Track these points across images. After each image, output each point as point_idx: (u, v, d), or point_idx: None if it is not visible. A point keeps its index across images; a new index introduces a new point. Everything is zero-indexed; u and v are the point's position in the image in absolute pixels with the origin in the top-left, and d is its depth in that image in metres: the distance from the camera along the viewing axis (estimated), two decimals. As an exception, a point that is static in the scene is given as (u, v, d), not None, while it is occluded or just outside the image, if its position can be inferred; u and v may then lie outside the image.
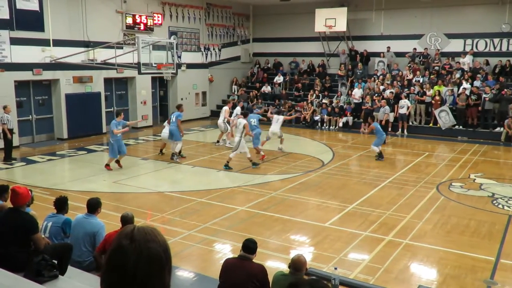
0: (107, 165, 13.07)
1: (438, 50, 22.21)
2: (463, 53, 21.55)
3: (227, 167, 13.19)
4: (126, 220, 5.94)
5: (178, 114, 14.06)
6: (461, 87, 19.77)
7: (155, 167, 13.65)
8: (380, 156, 14.66)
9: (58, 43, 17.00)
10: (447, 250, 7.79)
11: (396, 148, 17.19)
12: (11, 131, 14.19)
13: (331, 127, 20.70)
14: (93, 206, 6.29)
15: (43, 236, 5.78)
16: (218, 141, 16.96)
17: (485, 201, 10.54)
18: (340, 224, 9.04)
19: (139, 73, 16.05)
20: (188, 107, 22.36)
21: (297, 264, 4.94)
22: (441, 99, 19.62)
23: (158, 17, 21.21)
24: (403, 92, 20.16)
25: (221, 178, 12.62)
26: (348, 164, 14.45)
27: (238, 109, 16.89)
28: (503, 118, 18.31)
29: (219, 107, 18.87)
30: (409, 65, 22.19)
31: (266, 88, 24.67)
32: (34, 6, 16.28)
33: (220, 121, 16.69)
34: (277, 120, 15.83)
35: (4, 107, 14.26)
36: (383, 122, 17.72)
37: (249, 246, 5.18)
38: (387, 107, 17.87)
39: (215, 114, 17.40)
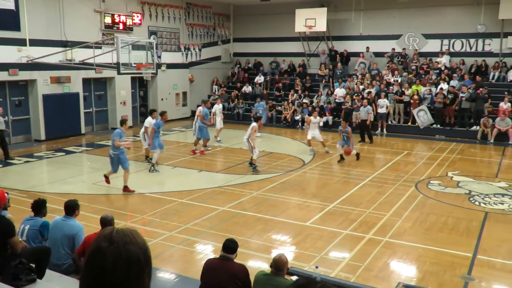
0: (106, 177, 11.25)
1: (416, 50, 22.54)
2: (440, 53, 21.92)
3: (254, 169, 12.98)
4: (106, 222, 5.87)
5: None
6: (439, 87, 20.10)
7: (136, 168, 13.51)
8: (350, 157, 14.57)
9: (35, 42, 16.70)
10: (426, 247, 7.91)
11: (375, 147, 17.36)
12: (1, 132, 14.01)
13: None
14: (71, 208, 6.19)
15: (20, 239, 5.67)
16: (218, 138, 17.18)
17: (462, 199, 10.73)
18: (321, 223, 9.09)
19: (118, 73, 15.89)
20: (169, 107, 22.24)
21: (278, 264, 4.95)
22: (419, 98, 19.90)
23: (138, 16, 21.02)
24: (383, 92, 20.38)
25: (202, 178, 12.56)
26: (329, 164, 14.54)
27: (216, 106, 17.38)
28: (479, 117, 18.68)
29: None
30: (387, 65, 22.46)
31: (247, 88, 24.68)
32: (10, 5, 15.96)
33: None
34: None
35: None
36: (368, 122, 17.83)
37: (230, 246, 5.18)
38: (369, 107, 18.00)
39: (195, 114, 17.28)
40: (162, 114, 13.24)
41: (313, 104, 21.61)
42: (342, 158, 14.42)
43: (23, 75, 16.73)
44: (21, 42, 16.36)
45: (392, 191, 11.28)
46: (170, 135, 18.44)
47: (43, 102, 17.33)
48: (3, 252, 5.15)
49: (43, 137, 17.45)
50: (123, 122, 11.12)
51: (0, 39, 15.70)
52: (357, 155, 14.71)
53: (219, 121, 17.24)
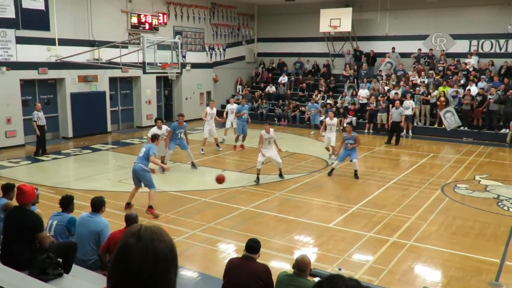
0: (150, 208, 9.42)
1: (443, 51, 22.13)
2: (469, 54, 21.47)
3: (281, 176, 12.31)
4: (130, 219, 5.96)
5: (151, 147, 9.68)
6: (466, 88, 19.70)
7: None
8: (355, 174, 12.54)
9: (64, 42, 17.05)
10: (451, 252, 7.77)
11: (400, 149, 17.13)
12: (41, 127, 14.54)
13: (319, 127, 20.67)
14: (97, 205, 6.31)
15: (48, 234, 5.80)
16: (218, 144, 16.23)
17: (490, 203, 10.49)
18: (344, 224, 9.02)
19: (144, 72, 16.08)
20: (193, 106, 22.44)
21: (301, 265, 4.93)
22: (446, 100, 19.55)
23: (163, 16, 21.24)
24: (408, 93, 20.10)
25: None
26: (351, 165, 14.39)
27: (229, 106, 17.19)
28: (509, 120, 18.22)
29: (224, 107, 18.84)
30: (414, 65, 22.13)
31: (271, 88, 24.66)
32: (40, 6, 16.34)
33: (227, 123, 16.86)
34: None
35: (35, 105, 14.93)
36: (401, 124, 17.62)
37: (252, 246, 5.18)
38: (401, 108, 17.71)
39: (219, 114, 17.39)
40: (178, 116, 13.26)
41: (337, 105, 21.45)
42: (332, 170, 12.77)
43: (52, 74, 17.11)
44: (50, 42, 16.74)
45: (417, 194, 11.11)
46: (194, 134, 18.56)
47: (71, 101, 17.70)
48: (31, 247, 5.28)
49: (70, 134, 17.82)
50: (155, 138, 10.04)
51: (30, 38, 16.10)
52: (355, 173, 12.50)
53: (231, 120, 16.94)
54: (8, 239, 5.30)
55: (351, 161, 12.61)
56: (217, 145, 15.95)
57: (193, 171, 13.20)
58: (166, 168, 10.31)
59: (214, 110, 15.94)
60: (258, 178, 11.94)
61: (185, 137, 13.28)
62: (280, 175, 12.32)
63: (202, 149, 15.35)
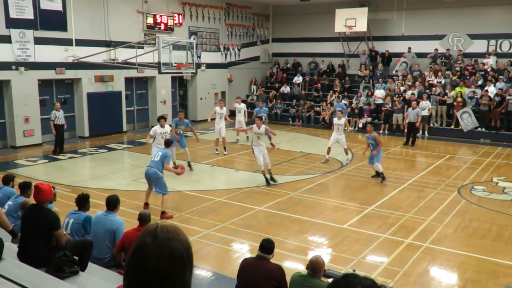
0: (163, 213, 9.29)
1: (461, 51, 21.86)
2: (487, 54, 21.17)
3: (272, 181, 11.76)
4: (144, 218, 6.02)
5: (167, 152, 9.53)
6: (484, 89, 19.43)
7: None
8: (382, 177, 12.08)
9: (81, 42, 17.26)
10: (468, 254, 7.67)
11: (416, 150, 16.96)
12: (59, 126, 14.79)
13: (350, 128, 20.52)
14: (113, 203, 6.38)
15: (64, 232, 5.87)
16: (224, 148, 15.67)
17: (508, 205, 10.33)
18: (359, 226, 8.97)
19: (159, 72, 16.20)
20: (207, 106, 22.51)
21: (315, 265, 4.92)
22: (463, 100, 19.30)
23: (179, 17, 21.36)
24: (425, 93, 19.90)
25: (239, 178, 12.64)
26: (367, 166, 14.30)
27: (236, 105, 17.05)
28: (528, 121, 17.92)
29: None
30: (430, 66, 21.90)
31: (285, 89, 24.64)
32: (58, 6, 16.57)
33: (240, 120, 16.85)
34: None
35: (54, 104, 15.26)
36: (417, 124, 17.46)
37: (266, 246, 5.18)
38: (418, 109, 17.52)
39: (234, 114, 17.44)
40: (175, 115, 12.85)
41: (352, 105, 21.33)
42: (377, 174, 12.26)
43: (69, 74, 17.33)
44: (67, 42, 16.96)
45: (433, 195, 10.99)
46: (208, 134, 18.63)
47: (87, 100, 17.92)
48: (48, 244, 5.36)
49: (87, 134, 18.03)
50: (169, 143, 9.85)
51: (48, 39, 16.33)
52: (382, 176, 12.02)
53: (240, 121, 16.79)
54: (25, 237, 5.39)
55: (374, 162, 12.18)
56: (224, 148, 15.29)
57: (206, 170, 13.24)
58: (181, 172, 9.67)
59: (224, 110, 15.67)
60: (267, 179, 11.62)
61: (194, 135, 13.46)
62: (272, 179, 11.72)
63: (216, 149, 15.35)
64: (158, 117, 12.65)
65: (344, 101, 21.76)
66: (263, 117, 15.98)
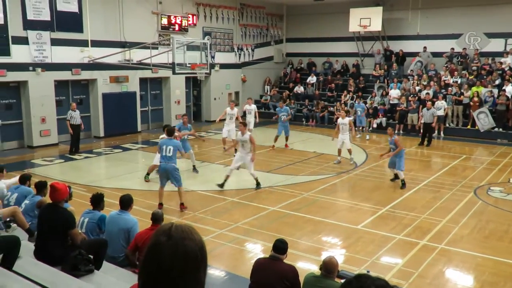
0: (182, 205, 9.77)
1: (477, 50, 21.57)
2: (505, 53, 20.85)
3: (257, 186, 11.26)
4: (157, 217, 6.06)
5: (177, 143, 9.82)
6: (502, 88, 19.14)
7: (188, 166, 13.80)
8: (403, 183, 11.56)
9: (96, 43, 17.44)
10: (484, 256, 7.56)
11: (432, 150, 16.79)
12: (75, 126, 14.98)
13: (364, 128, 20.39)
14: (126, 202, 6.45)
15: (79, 231, 5.94)
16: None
17: (525, 207, 10.17)
18: (373, 226, 8.91)
19: (174, 73, 16.29)
20: (221, 107, 22.52)
21: (328, 266, 4.90)
22: (480, 100, 19.05)
23: (193, 17, 21.45)
24: (440, 93, 19.69)
25: (252, 178, 12.62)
26: (382, 166, 14.21)
27: (246, 107, 16.87)
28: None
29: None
30: (446, 65, 21.66)
31: (299, 89, 24.58)
32: (74, 8, 16.77)
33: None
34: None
35: (70, 104, 15.45)
36: (433, 124, 17.27)
37: (280, 247, 5.17)
38: (434, 109, 17.32)
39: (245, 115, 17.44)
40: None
41: (367, 105, 21.18)
42: (396, 177, 11.93)
43: (85, 75, 17.53)
44: (83, 43, 17.15)
45: (449, 196, 10.87)
46: (221, 135, 18.65)
47: (102, 101, 18.10)
48: (64, 243, 5.42)
49: (102, 134, 18.21)
50: (172, 132, 10.06)
51: (64, 40, 16.53)
52: (403, 182, 11.53)
53: (250, 122, 16.31)
54: (42, 235, 5.46)
55: (395, 169, 11.69)
56: (228, 148, 14.94)
57: (220, 170, 13.27)
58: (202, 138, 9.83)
59: (235, 111, 15.41)
60: (222, 184, 11.05)
61: (196, 136, 13.55)
62: (257, 184, 11.25)
63: (224, 148, 15.34)
64: (164, 126, 12.61)
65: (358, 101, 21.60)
66: (251, 123, 16.12)
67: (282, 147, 16.39)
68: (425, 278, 6.75)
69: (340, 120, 14.00)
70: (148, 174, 12.22)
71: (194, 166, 13.09)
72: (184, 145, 12.53)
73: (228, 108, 15.59)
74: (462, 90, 19.70)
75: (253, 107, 16.87)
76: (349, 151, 14.02)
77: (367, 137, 18.51)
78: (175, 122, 20.41)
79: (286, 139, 16.44)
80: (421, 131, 17.78)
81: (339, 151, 14.04)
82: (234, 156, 14.62)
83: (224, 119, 15.47)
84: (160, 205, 9.66)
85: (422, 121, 17.60)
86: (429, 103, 17.65)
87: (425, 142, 17.22)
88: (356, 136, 18.74)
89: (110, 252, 6.05)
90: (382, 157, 12.60)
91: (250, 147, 11.07)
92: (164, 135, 11.38)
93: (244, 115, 17.00)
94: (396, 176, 11.89)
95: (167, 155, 9.48)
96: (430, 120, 17.08)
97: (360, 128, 19.46)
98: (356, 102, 20.14)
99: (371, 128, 20.50)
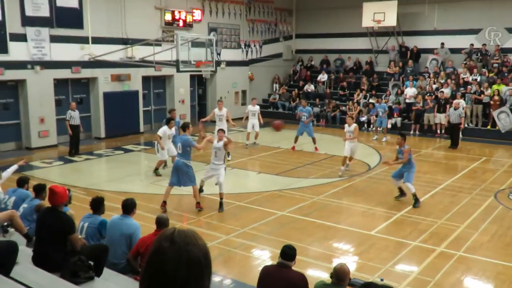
0: (198, 204, 9.95)
1: (498, 46, 21.42)
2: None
3: (221, 207, 10.05)
4: (161, 222, 6.07)
5: (186, 139, 9.90)
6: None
7: (194, 168, 13.81)
8: (415, 199, 10.34)
9: (97, 40, 17.54)
10: (505, 264, 7.51)
11: (449, 152, 16.70)
12: (75, 127, 15.09)
13: (378, 129, 20.29)
14: (128, 207, 6.46)
15: (79, 236, 5.98)
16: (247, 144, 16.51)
17: (549, 212, 10.08)
18: (387, 232, 8.89)
19: (178, 71, 16.33)
20: (228, 106, 22.53)
21: (340, 274, 4.89)
22: (501, 99, 18.92)
23: (198, 13, 21.52)
24: (458, 92, 19.57)
25: (260, 181, 12.66)
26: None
27: (250, 107, 16.69)
28: None
29: (260, 107, 18.71)
30: (465, 62, 21.54)
31: (309, 87, 24.56)
32: (74, 3, 16.88)
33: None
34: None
35: (70, 104, 15.57)
36: (461, 126, 17.10)
37: (288, 253, 5.17)
38: (461, 109, 17.14)
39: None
40: (168, 121, 12.61)
41: (369, 103, 21.04)
42: (402, 192, 10.73)
43: (85, 73, 17.64)
44: (83, 40, 17.25)
45: (467, 200, 10.81)
46: (228, 135, 18.67)
47: (103, 100, 18.19)
48: (63, 248, 5.46)
49: (103, 135, 18.31)
50: (186, 126, 10.05)
51: (64, 37, 16.65)
52: (415, 198, 10.29)
53: (254, 123, 16.45)
54: (41, 240, 5.50)
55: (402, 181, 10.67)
56: (228, 153, 14.54)
57: (226, 173, 13.27)
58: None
59: (224, 112, 15.07)
60: (198, 203, 10.02)
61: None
62: (220, 206, 10.08)
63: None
64: (166, 119, 13.00)
65: (372, 100, 21.53)
66: (256, 125, 16.13)
67: (307, 149, 16.32)
68: (442, 287, 6.71)
69: (346, 128, 13.28)
70: (156, 169, 12.71)
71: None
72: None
73: (216, 109, 15.22)
74: (481, 89, 19.58)
75: (257, 108, 16.71)
76: (350, 158, 13.24)
77: (384, 138, 18.33)
78: (180, 123, 20.48)
79: (314, 141, 16.08)
80: (445, 132, 17.48)
81: (347, 158, 13.03)
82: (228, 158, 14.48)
83: (214, 121, 15.11)
84: (164, 203, 9.77)
85: (447, 122, 17.25)
86: (456, 102, 17.52)
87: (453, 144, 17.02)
88: (373, 138, 18.63)
89: (111, 258, 6.09)
90: (387, 164, 11.39)
91: (224, 157, 10.37)
92: (165, 128, 12.30)
93: (243, 117, 16.98)
94: (402, 192, 10.70)
95: (178, 152, 10.00)
96: (457, 120, 16.88)
97: (380, 129, 19.06)
98: (377, 102, 19.75)
99: (381, 128, 20.39)
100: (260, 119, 16.63)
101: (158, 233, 5.59)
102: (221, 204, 10.01)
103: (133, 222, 6.44)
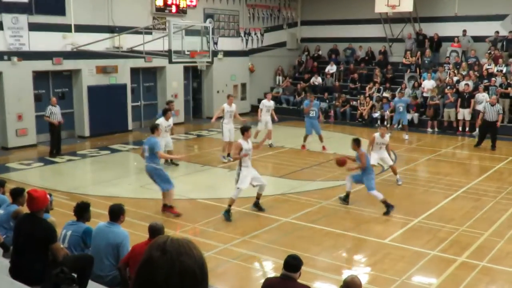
0: (169, 207, 10.08)
1: (527, 33, 21.42)
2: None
3: (227, 214, 9.88)
4: (154, 230, 5.96)
5: (154, 141, 10.13)
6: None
7: (187, 171, 13.86)
8: (387, 205, 10.24)
9: (80, 28, 17.52)
10: (534, 276, 7.52)
11: (472, 151, 16.70)
12: (55, 124, 15.06)
13: (395, 126, 20.27)
14: (116, 213, 6.43)
15: (61, 246, 5.98)
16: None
17: None
18: (403, 241, 8.90)
19: (170, 62, 16.34)
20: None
21: (351, 287, 4.90)
22: (529, 92, 18.91)
23: (192, -3, 21.51)
24: (481, 84, 19.56)
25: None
26: (414, 170, 14.16)
27: (265, 102, 16.59)
28: None
29: (259, 101, 18.72)
30: (489, 51, 21.52)
31: (316, 80, 24.55)
32: (55, -13, 16.89)
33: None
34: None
35: (50, 99, 15.61)
36: (498, 124, 16.82)
37: (292, 263, 5.17)
38: (498, 105, 16.78)
39: (256, 110, 17.41)
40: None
41: (383, 97, 20.99)
42: (347, 196, 10.87)
43: (68, 65, 17.64)
44: (66, 28, 17.23)
45: (492, 205, 10.81)
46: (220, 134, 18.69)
47: (88, 95, 18.19)
48: (44, 259, 5.47)
49: (87, 133, 18.31)
50: (154, 128, 10.39)
51: (44, 25, 16.63)
52: (386, 205, 10.18)
53: (267, 120, 16.34)
54: (18, 250, 5.51)
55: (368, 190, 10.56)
56: (228, 154, 14.31)
57: (224, 175, 13.31)
58: (181, 158, 10.52)
59: (234, 107, 15.09)
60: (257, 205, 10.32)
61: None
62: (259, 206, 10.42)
63: (224, 157, 14.66)
64: (163, 109, 13.55)
65: (385, 94, 21.52)
66: (269, 123, 16.01)
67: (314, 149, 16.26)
68: (464, 301, 6.72)
69: (377, 137, 12.12)
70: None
71: (171, 160, 13.71)
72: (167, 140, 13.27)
73: (225, 104, 15.04)
74: (508, 81, 19.56)
75: (272, 103, 16.65)
76: (393, 169, 12.57)
77: (406, 136, 18.11)
78: (173, 120, 20.48)
79: (320, 139, 16.03)
80: (478, 130, 17.26)
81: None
82: (225, 161, 14.37)
83: (221, 117, 15.03)
84: (164, 206, 10.04)
85: (481, 119, 16.89)
86: (493, 97, 17.34)
87: (484, 144, 16.74)
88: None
89: (96, 270, 6.09)
90: (348, 169, 11.11)
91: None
92: (162, 120, 12.80)
93: (252, 110, 16.97)
94: (347, 195, 10.82)
95: (146, 155, 10.08)
96: (495, 118, 16.61)
97: (398, 126, 18.88)
98: (398, 96, 19.46)
99: (400, 126, 20.38)
100: (274, 116, 16.59)
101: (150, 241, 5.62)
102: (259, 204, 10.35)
103: (121, 230, 6.41)
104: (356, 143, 10.65)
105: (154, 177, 10.03)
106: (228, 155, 14.26)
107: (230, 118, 14.87)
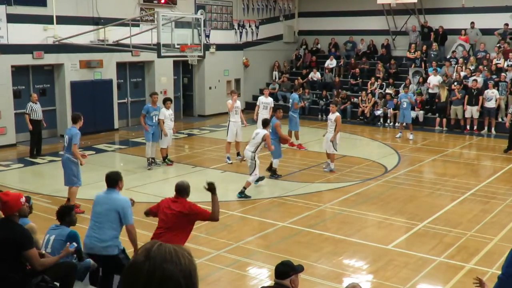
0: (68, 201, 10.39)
1: (538, 26, 21.52)
2: None
3: (243, 195, 11.52)
4: (181, 189, 6.69)
5: (74, 133, 10.37)
6: None
7: (177, 172, 13.84)
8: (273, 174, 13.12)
9: (63, 20, 17.48)
10: (547, 283, 7.54)
11: (481, 151, 16.76)
12: (36, 122, 15.01)
13: (396, 124, 20.35)
14: (113, 179, 6.71)
15: (44, 251, 5.95)
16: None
17: None
18: (407, 246, 8.92)
19: (159, 56, 16.31)
20: (218, 98, 22.57)
21: (351, 295, 4.90)
22: (541, 89, 19.00)
23: (183, -13, 21.50)
24: (491, 80, 19.63)
25: (257, 186, 12.64)
26: (419, 171, 14.20)
27: (262, 99, 16.58)
28: None
29: (256, 98, 18.69)
30: (498, 45, 21.60)
31: (315, 75, 24.58)
32: (35, -24, 16.84)
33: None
34: None
35: (30, 95, 15.50)
36: None
37: (282, 270, 5.11)
38: None
39: (251, 107, 17.41)
40: (151, 95, 14.54)
41: (386, 93, 21.02)
42: (271, 166, 13.22)
43: (49, 59, 17.59)
44: (47, 20, 17.20)
45: (501, 208, 10.86)
46: (218, 132, 18.72)
47: (70, 91, 18.14)
48: (20, 267, 5.41)
49: (70, 132, 18.23)
50: (76, 118, 10.51)
51: (24, 16, 16.59)
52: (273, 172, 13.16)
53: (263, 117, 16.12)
54: (-8, 258, 5.43)
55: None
56: (238, 153, 14.57)
57: (217, 177, 13.29)
58: (83, 162, 10.55)
59: (239, 103, 15.22)
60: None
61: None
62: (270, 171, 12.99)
63: (229, 157, 14.64)
64: (164, 99, 14.46)
65: (388, 90, 21.56)
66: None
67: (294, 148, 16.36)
68: (473, 311, 6.73)
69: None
70: (164, 158, 14.20)
71: (153, 159, 14.14)
72: (155, 133, 13.86)
73: (230, 101, 14.91)
74: (518, 76, 19.64)
75: (270, 100, 16.45)
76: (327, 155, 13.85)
77: (411, 136, 18.08)
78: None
79: (296, 136, 16.43)
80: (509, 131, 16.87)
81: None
82: (230, 163, 14.50)
83: (226, 113, 15.06)
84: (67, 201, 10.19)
85: (510, 120, 16.59)
86: None
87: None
88: (397, 136, 18.55)
89: (95, 241, 6.40)
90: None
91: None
92: (164, 109, 14.00)
93: (248, 107, 16.98)
94: (271, 165, 13.08)
95: (64, 145, 10.48)
96: None
97: (408, 125, 18.71)
98: (403, 91, 19.39)
99: (404, 124, 20.44)
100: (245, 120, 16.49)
101: (176, 200, 6.71)
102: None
103: (120, 196, 6.68)
104: (266, 124, 12.30)
105: (65, 169, 10.48)
106: (238, 154, 14.45)
107: (236, 114, 14.83)
